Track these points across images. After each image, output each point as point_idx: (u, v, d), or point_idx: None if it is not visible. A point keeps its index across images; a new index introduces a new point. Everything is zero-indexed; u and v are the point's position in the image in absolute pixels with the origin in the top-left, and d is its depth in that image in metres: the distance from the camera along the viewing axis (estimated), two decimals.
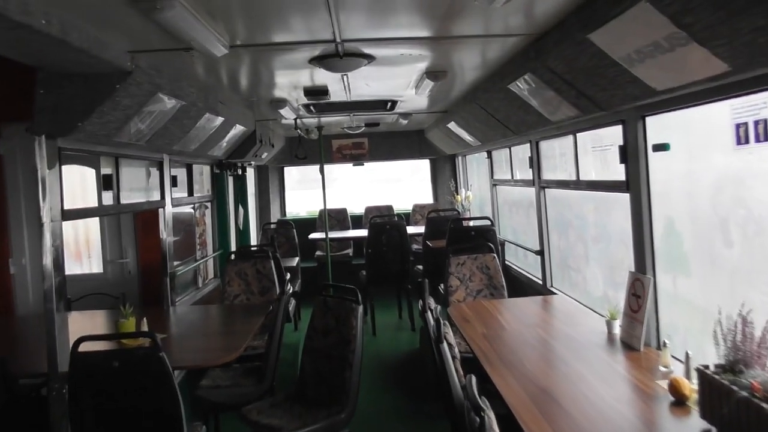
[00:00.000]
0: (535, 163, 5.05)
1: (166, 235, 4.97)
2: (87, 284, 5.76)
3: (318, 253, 8.76)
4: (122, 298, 5.00)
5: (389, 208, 9.44)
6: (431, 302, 3.63)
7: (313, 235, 8.23)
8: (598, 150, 3.76)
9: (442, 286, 6.28)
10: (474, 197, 8.04)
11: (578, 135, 4.10)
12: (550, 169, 4.90)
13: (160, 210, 4.90)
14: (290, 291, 4.56)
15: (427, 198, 9.82)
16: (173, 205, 5.15)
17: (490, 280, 5.22)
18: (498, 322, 3.95)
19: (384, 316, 7.53)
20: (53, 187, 3.08)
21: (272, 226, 8.39)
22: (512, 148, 5.94)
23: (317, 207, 9.64)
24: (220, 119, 4.98)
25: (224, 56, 3.25)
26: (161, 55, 3.07)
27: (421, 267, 7.41)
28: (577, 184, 4.16)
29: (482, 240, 5.68)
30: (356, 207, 10.17)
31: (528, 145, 5.23)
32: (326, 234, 7.76)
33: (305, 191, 10.72)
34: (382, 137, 9.27)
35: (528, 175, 5.48)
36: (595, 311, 3.98)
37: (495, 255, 5.22)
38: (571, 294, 4.56)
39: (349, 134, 8.99)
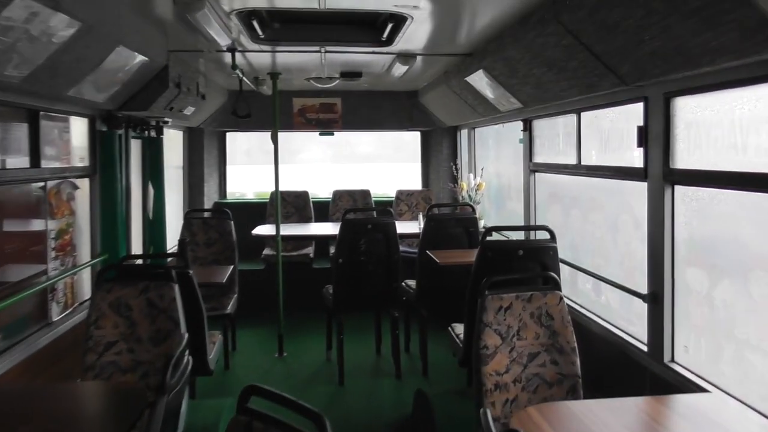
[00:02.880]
0: (658, 137, 2.78)
1: None
2: None
3: (266, 252, 6.41)
4: None
5: (365, 194, 7.09)
6: None
7: (258, 231, 5.84)
8: None
9: (456, 330, 4.03)
10: (486, 186, 5.78)
11: None
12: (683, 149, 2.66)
13: None
14: (185, 373, 2.23)
15: (414, 183, 7.52)
16: None
17: (552, 338, 3.04)
18: None
19: (356, 352, 5.26)
20: None
21: (204, 215, 5.95)
22: (583, 114, 3.66)
23: (269, 187, 7.27)
24: (72, 23, 2.56)
25: None
26: None
27: (412, 284, 5.14)
28: None
29: (535, 265, 3.42)
30: (321, 189, 7.81)
31: (639, 105, 2.96)
32: (277, 229, 5.40)
33: (257, 166, 8.28)
34: (362, 98, 6.87)
35: (622, 157, 3.25)
36: None
37: (562, 296, 3.03)
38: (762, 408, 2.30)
39: (316, 90, 6.59)
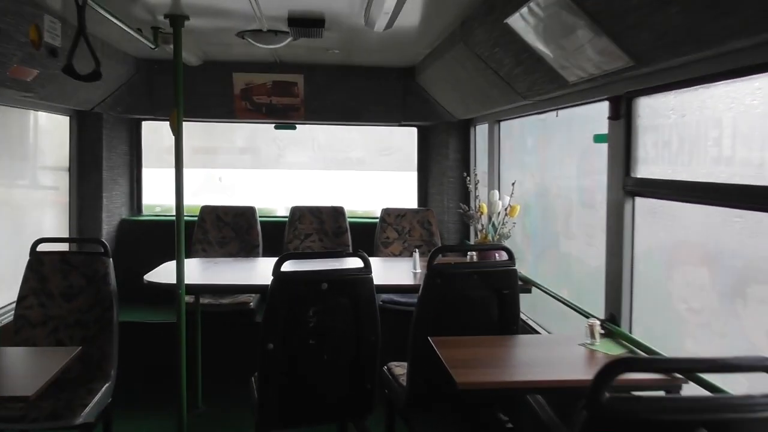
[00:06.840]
0: None
1: None
2: None
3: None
4: None
5: (337, 213, 4.97)
6: None
7: (153, 276, 3.63)
8: None
9: None
10: (521, 210, 3.68)
11: None
12: None
13: None
14: None
15: (407, 199, 5.42)
16: None
17: None
18: None
19: None
20: None
21: (64, 248, 3.83)
22: None
23: (212, 197, 5.16)
24: None
25: None
26: None
27: (400, 371, 3.05)
28: None
29: None
30: (277, 203, 5.73)
31: None
32: (179, 276, 3.29)
33: (199, 169, 6.16)
34: (332, 76, 4.76)
35: None
36: None
37: None
38: None
39: (267, 63, 4.50)
